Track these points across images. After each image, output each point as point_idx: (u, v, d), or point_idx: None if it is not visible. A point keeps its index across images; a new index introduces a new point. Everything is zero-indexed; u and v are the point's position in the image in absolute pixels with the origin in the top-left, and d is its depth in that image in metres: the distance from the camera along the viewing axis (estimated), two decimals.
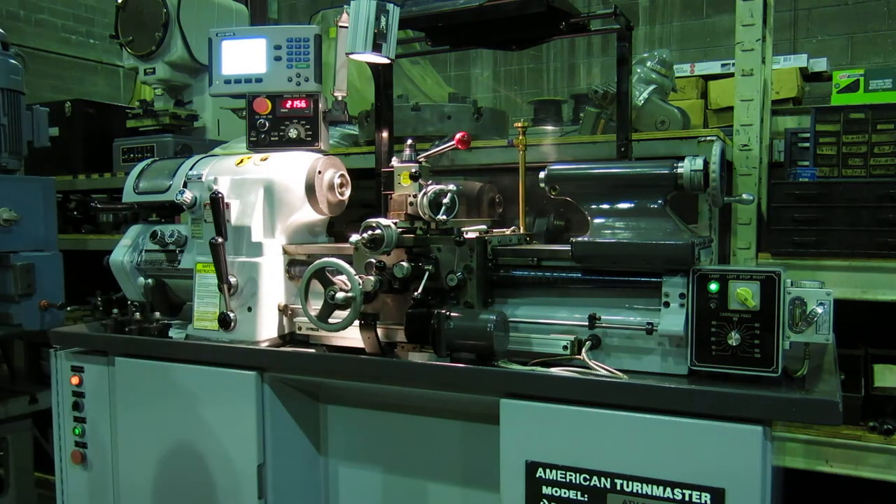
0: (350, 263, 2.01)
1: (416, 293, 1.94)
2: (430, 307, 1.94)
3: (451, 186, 2.06)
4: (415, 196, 2.03)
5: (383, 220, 1.97)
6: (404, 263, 1.96)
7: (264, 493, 2.21)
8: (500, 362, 1.89)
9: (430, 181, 2.07)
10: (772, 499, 1.65)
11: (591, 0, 6.15)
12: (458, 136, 2.15)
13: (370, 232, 1.96)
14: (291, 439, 2.30)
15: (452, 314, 1.90)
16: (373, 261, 1.99)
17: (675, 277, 1.79)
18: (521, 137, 2.24)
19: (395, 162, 2.13)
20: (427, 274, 1.95)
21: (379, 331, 2.04)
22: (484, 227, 2.14)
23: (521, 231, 2.25)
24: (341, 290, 1.98)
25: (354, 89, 3.30)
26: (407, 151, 2.11)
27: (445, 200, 2.03)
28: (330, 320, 2.04)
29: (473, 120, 2.90)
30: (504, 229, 2.23)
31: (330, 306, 2.01)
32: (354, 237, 2.01)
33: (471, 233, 2.00)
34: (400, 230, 2.00)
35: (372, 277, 1.96)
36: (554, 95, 5.90)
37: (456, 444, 2.20)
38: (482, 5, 2.16)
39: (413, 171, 2.05)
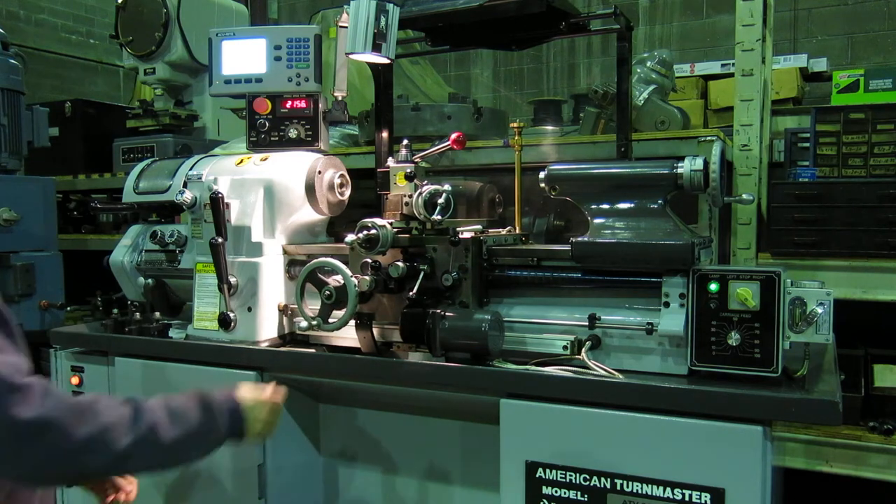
0: (346, 263, 2.01)
1: (411, 293, 1.94)
2: (426, 307, 1.94)
3: (446, 187, 2.05)
4: (410, 196, 2.03)
5: (379, 221, 1.97)
6: (400, 263, 1.96)
7: (264, 493, 2.21)
8: (495, 362, 1.90)
9: (426, 181, 2.07)
10: (772, 499, 1.65)
11: (591, 0, 6.14)
12: (453, 136, 2.15)
13: (365, 232, 1.96)
14: (291, 439, 2.30)
15: (447, 314, 1.89)
16: (368, 261, 1.99)
17: (675, 277, 1.78)
18: (516, 138, 2.24)
19: (391, 162, 2.13)
20: (422, 274, 1.95)
21: (374, 331, 2.04)
22: (479, 227, 2.14)
23: (517, 231, 2.25)
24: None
25: (354, 89, 3.30)
26: (403, 152, 2.11)
27: (440, 201, 2.03)
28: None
29: (473, 120, 2.90)
30: (500, 229, 2.23)
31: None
32: (350, 237, 2.01)
33: (466, 233, 2.00)
34: (395, 230, 2.00)
35: (367, 277, 1.96)
36: (554, 95, 5.90)
37: (456, 444, 2.20)
38: (482, 5, 2.15)
39: (408, 171, 2.05)
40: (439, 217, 2.02)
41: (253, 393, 1.67)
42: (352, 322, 2.01)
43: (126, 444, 1.36)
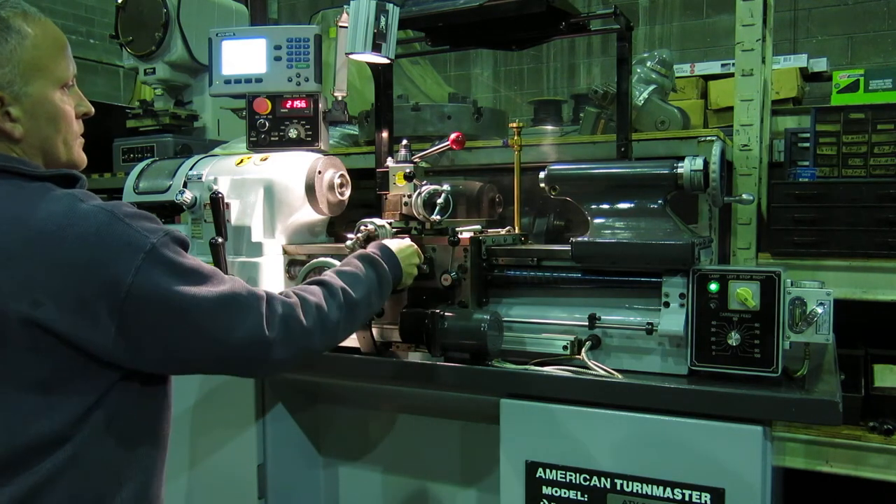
0: None
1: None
2: (425, 307, 1.94)
3: (445, 186, 2.05)
4: (409, 196, 2.03)
5: (378, 220, 1.98)
6: None
7: (264, 493, 2.21)
8: (494, 362, 1.89)
9: (425, 181, 2.07)
10: (772, 499, 1.65)
11: (591, 0, 6.14)
12: (452, 136, 2.15)
13: (364, 232, 1.96)
14: (291, 439, 2.30)
15: (446, 314, 1.89)
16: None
17: (675, 277, 1.78)
18: (516, 138, 2.24)
19: (390, 162, 2.13)
20: (421, 274, 1.96)
21: (374, 330, 2.04)
22: (479, 227, 2.15)
23: (517, 231, 2.25)
24: None
25: (354, 89, 3.30)
26: (402, 152, 2.11)
27: (440, 200, 2.03)
28: None
29: (473, 120, 2.90)
30: (499, 229, 2.24)
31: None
32: (349, 237, 2.01)
33: (465, 233, 2.01)
34: (395, 230, 2.00)
35: None
36: (554, 95, 5.89)
37: (456, 444, 2.20)
38: (482, 5, 2.15)
39: (407, 171, 2.05)
40: (438, 217, 2.02)
41: (399, 243, 1.86)
42: None
43: (336, 316, 1.51)
